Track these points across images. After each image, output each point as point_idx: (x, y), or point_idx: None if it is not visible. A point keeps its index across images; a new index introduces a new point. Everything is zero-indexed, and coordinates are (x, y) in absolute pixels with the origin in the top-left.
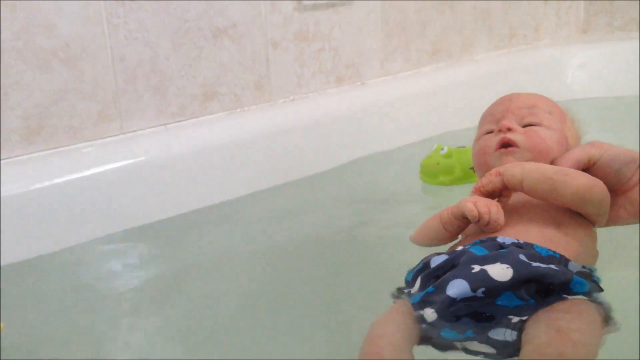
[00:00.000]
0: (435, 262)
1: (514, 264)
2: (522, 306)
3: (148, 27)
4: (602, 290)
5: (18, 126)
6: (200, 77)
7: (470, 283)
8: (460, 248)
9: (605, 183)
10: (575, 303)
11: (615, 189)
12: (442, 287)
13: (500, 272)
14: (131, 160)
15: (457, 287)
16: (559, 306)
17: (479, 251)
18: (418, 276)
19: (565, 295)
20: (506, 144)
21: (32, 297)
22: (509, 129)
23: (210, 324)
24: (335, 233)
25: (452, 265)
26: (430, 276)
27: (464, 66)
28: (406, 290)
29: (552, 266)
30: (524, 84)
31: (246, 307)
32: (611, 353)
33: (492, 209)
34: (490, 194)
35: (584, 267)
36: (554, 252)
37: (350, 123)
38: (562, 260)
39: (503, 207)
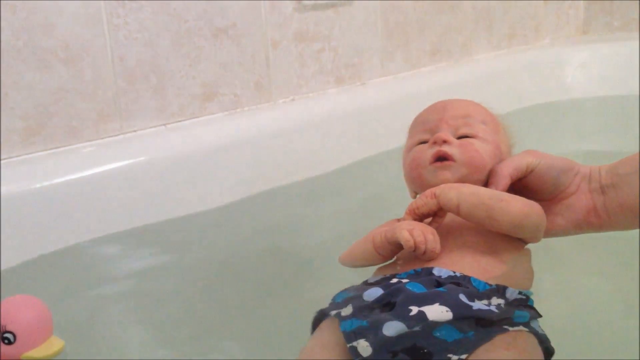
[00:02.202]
0: (369, 296)
1: (454, 306)
2: (461, 340)
3: (148, 27)
4: (539, 315)
5: (18, 126)
6: (200, 77)
7: (408, 326)
8: (395, 281)
9: (542, 191)
10: (516, 337)
11: (552, 197)
12: (378, 326)
13: (440, 315)
14: (131, 160)
15: (393, 328)
16: (500, 342)
17: (416, 288)
18: (350, 302)
19: (506, 327)
20: (442, 158)
21: None
22: (445, 141)
23: (208, 324)
24: (336, 233)
25: (388, 303)
26: (364, 308)
27: (464, 66)
28: (334, 312)
29: (493, 308)
30: (524, 84)
31: (248, 306)
32: (611, 353)
33: (428, 237)
34: (425, 216)
35: (520, 292)
36: (491, 285)
37: (350, 123)
38: (500, 290)
39: (437, 228)
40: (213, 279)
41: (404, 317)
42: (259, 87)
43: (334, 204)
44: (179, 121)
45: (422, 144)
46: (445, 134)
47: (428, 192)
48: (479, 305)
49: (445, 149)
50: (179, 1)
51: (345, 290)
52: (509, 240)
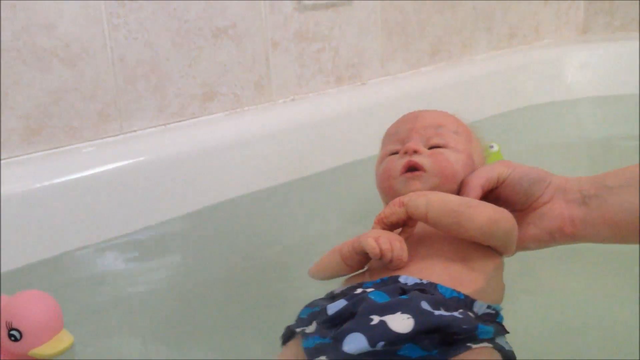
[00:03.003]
0: (332, 309)
1: (416, 314)
2: (424, 358)
3: (148, 27)
4: (507, 332)
5: (18, 126)
6: (200, 77)
7: (368, 338)
8: (359, 291)
9: (515, 201)
10: (480, 354)
11: (525, 207)
12: (339, 340)
13: (401, 323)
14: (131, 160)
15: (354, 343)
16: (463, 358)
17: (379, 297)
18: (314, 318)
19: (470, 344)
20: (412, 168)
21: None
22: (415, 151)
23: (208, 324)
24: (335, 232)
25: (351, 314)
26: (327, 323)
27: (464, 66)
28: (299, 329)
29: (456, 314)
30: (524, 83)
31: (246, 308)
32: (611, 353)
33: (395, 245)
34: (394, 225)
35: (489, 306)
36: (459, 293)
37: (350, 123)
38: (467, 302)
39: (407, 238)
40: (214, 278)
41: (364, 327)
42: (259, 87)
43: (334, 204)
44: (179, 121)
45: (394, 155)
46: (415, 143)
47: (396, 200)
48: (441, 312)
49: (416, 159)
50: (179, 1)
51: (310, 304)
52: (483, 251)
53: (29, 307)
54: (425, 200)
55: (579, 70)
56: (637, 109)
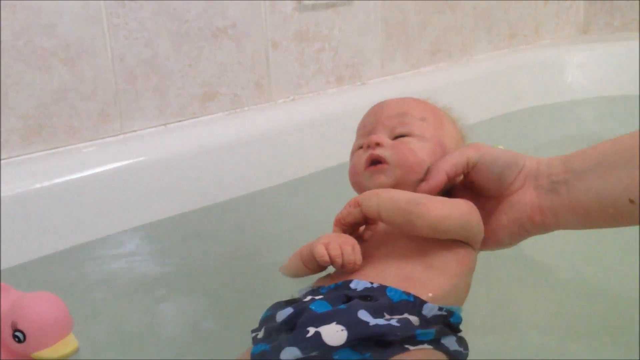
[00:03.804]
0: (280, 316)
1: (350, 325)
2: None
3: (148, 27)
4: (456, 331)
5: (18, 126)
6: (200, 77)
7: (302, 349)
8: (308, 299)
9: (487, 188)
10: (417, 355)
11: (498, 193)
12: (278, 350)
13: (334, 335)
14: (131, 160)
15: (290, 354)
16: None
17: (319, 307)
18: (265, 324)
19: (407, 346)
20: (375, 161)
21: None
22: (378, 144)
23: (209, 324)
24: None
25: (294, 324)
26: (273, 330)
27: (464, 66)
28: (253, 334)
29: (393, 322)
30: (524, 84)
31: (246, 308)
32: (611, 353)
33: (345, 250)
34: (353, 226)
35: (441, 308)
36: (409, 295)
37: (350, 123)
38: (417, 304)
39: (371, 237)
40: (214, 278)
41: (300, 340)
42: (259, 87)
43: (334, 204)
44: (179, 121)
45: (360, 149)
46: (377, 136)
47: (352, 200)
48: (377, 321)
49: (378, 151)
50: (179, 1)
51: (269, 308)
52: (448, 248)
53: (36, 310)
54: (377, 199)
55: (579, 70)
56: (637, 108)
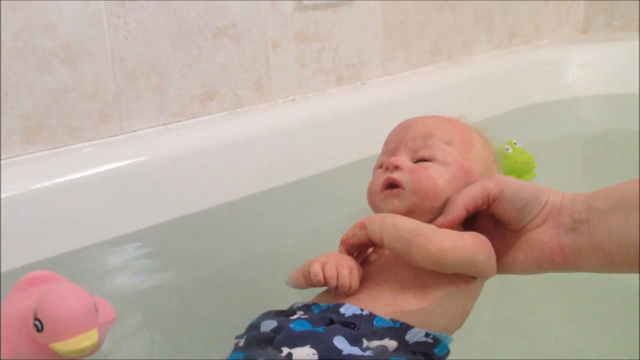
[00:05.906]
0: (264, 327)
1: (323, 350)
2: None
3: (148, 27)
4: (432, 358)
5: (18, 126)
6: (200, 77)
7: None
8: (295, 317)
9: (507, 221)
10: None
11: (517, 228)
12: None
13: (305, 359)
14: (131, 160)
15: None
16: None
17: (300, 326)
18: (248, 331)
19: None
20: (391, 185)
21: None
22: (397, 167)
23: (208, 325)
24: (335, 235)
25: (272, 339)
26: (253, 340)
27: (464, 66)
28: (236, 340)
29: (368, 352)
30: (524, 83)
31: (246, 308)
32: (611, 353)
33: (341, 272)
34: (358, 247)
35: (427, 334)
36: (396, 322)
37: (350, 123)
38: (401, 330)
39: (377, 260)
40: (214, 279)
41: (273, 358)
42: (259, 87)
43: (334, 204)
44: (179, 121)
45: (380, 169)
46: (397, 158)
47: (358, 222)
48: (352, 350)
49: (395, 175)
50: (179, 1)
51: (259, 316)
52: (452, 282)
53: (56, 301)
54: (380, 224)
55: (579, 70)
56: (637, 108)
